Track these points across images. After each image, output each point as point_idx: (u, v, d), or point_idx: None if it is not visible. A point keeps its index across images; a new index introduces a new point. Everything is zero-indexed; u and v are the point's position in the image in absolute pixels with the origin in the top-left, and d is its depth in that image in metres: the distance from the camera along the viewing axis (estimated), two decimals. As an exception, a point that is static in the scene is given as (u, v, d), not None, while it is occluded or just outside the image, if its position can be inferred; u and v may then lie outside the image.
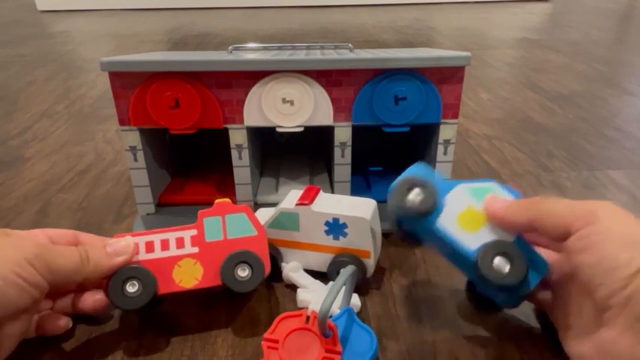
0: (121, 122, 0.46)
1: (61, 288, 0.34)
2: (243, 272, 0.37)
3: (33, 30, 1.93)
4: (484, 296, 0.36)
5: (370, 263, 0.41)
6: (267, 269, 0.38)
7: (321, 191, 0.43)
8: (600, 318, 0.27)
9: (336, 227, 0.41)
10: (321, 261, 0.42)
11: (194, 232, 0.37)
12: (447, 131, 0.47)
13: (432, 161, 0.49)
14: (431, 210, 0.34)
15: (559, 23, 1.93)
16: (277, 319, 0.33)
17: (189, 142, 0.60)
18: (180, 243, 0.37)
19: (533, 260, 0.33)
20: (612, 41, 1.57)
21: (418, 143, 0.55)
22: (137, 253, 0.36)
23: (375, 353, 0.33)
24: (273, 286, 0.42)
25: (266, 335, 0.32)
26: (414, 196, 0.34)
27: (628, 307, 0.25)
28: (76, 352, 0.36)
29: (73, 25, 2.06)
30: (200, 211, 0.38)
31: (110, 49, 1.54)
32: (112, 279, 0.35)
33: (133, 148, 0.47)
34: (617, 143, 0.73)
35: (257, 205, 0.52)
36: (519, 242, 0.33)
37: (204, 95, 0.45)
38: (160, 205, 0.52)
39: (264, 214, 0.44)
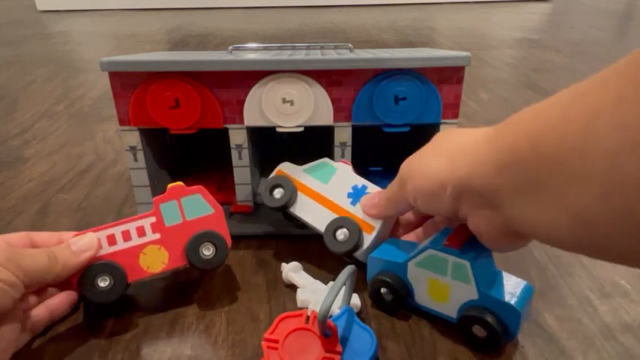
0: (121, 122, 0.46)
1: (35, 287, 0.36)
2: (207, 251, 0.39)
3: (33, 30, 1.94)
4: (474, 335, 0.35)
5: (369, 239, 0.41)
6: (229, 244, 0.40)
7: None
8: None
9: (359, 194, 0.42)
10: (325, 220, 0.43)
11: (153, 219, 0.38)
12: (447, 131, 0.47)
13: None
14: (403, 298, 0.38)
15: (559, 23, 1.93)
16: (277, 319, 0.33)
17: (189, 142, 0.60)
18: (141, 232, 0.38)
19: (504, 305, 0.34)
20: (612, 41, 1.57)
21: (418, 143, 0.55)
22: (100, 247, 0.37)
23: (375, 353, 0.33)
24: (273, 286, 0.42)
25: (266, 335, 0.32)
26: (385, 295, 0.39)
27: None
28: (75, 351, 0.36)
29: (72, 25, 2.06)
30: (155, 198, 0.39)
31: (110, 49, 1.54)
32: (83, 276, 0.36)
33: (133, 148, 0.47)
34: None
35: (257, 205, 0.52)
36: (484, 296, 0.34)
37: (204, 95, 0.45)
38: (160, 205, 0.52)
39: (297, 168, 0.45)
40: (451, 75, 0.44)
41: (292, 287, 0.42)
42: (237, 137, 0.47)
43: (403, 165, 0.36)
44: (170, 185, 0.40)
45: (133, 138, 0.47)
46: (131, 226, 0.38)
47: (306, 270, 0.43)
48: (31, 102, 0.98)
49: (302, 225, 0.45)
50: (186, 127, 0.45)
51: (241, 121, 0.46)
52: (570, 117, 0.22)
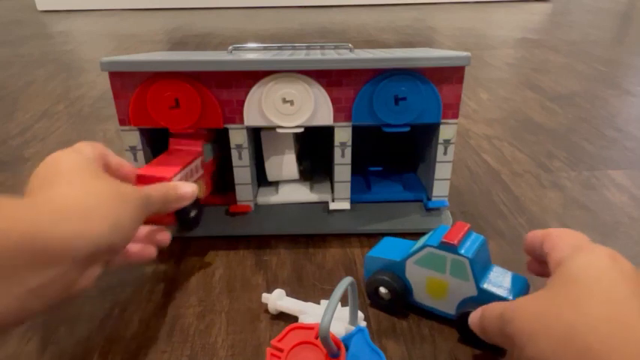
0: (121, 122, 0.46)
1: (151, 214, 0.37)
2: (192, 213, 0.46)
3: (33, 30, 1.94)
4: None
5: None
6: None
7: None
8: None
9: None
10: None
11: (201, 158, 0.49)
12: (447, 131, 0.47)
13: (432, 161, 0.49)
14: (402, 297, 0.38)
15: (559, 23, 1.93)
16: (288, 328, 0.32)
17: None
18: (196, 170, 0.48)
19: (502, 301, 0.33)
20: (612, 41, 1.57)
21: (418, 143, 0.55)
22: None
23: None
24: (273, 286, 0.42)
25: (273, 342, 0.32)
26: (384, 295, 0.38)
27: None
28: (75, 351, 0.36)
29: (73, 25, 2.06)
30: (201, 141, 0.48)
31: (110, 49, 1.54)
32: (182, 211, 0.43)
33: (132, 148, 0.47)
34: (617, 143, 0.73)
35: (257, 207, 0.52)
36: (483, 292, 0.35)
37: (204, 95, 0.45)
38: (160, 205, 0.52)
39: None
40: (451, 75, 0.44)
41: (282, 316, 0.39)
42: (237, 137, 0.47)
43: (521, 320, 0.27)
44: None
45: (133, 138, 0.47)
46: (193, 166, 0.47)
47: (306, 273, 0.43)
48: (31, 102, 0.98)
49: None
50: (186, 127, 0.45)
51: (241, 121, 0.46)
52: None
